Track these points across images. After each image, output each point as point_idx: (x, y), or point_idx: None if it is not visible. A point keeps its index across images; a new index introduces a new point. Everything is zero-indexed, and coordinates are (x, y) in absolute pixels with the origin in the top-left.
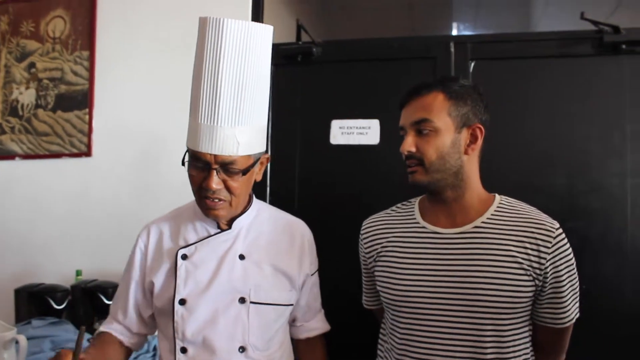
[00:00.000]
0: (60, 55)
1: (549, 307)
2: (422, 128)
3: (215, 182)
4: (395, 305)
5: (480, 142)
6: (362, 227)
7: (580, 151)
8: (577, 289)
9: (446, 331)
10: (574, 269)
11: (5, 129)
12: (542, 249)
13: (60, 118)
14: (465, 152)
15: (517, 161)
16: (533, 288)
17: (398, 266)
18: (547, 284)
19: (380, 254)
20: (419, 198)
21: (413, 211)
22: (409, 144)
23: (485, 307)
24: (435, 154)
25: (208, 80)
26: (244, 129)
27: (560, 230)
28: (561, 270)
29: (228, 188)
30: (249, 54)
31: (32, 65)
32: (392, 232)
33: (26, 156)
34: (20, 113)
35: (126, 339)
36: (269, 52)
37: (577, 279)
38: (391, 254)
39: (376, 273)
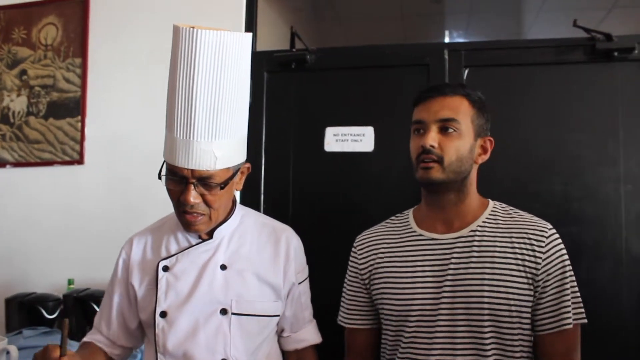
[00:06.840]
0: (52, 62)
1: (549, 307)
2: (447, 126)
3: (193, 197)
4: (400, 317)
5: (489, 154)
6: (356, 242)
7: (575, 157)
8: (577, 290)
9: (449, 336)
10: (570, 269)
11: None
12: (536, 248)
13: (52, 125)
14: (475, 161)
15: (511, 167)
16: (531, 287)
17: (398, 276)
18: (544, 283)
19: (377, 267)
20: (412, 208)
21: (408, 221)
22: (432, 138)
23: (485, 308)
24: (456, 154)
25: (182, 94)
26: (221, 142)
27: (554, 231)
28: (557, 268)
29: (206, 202)
30: (225, 65)
31: (23, 72)
32: (388, 244)
33: (17, 164)
34: (12, 120)
35: (109, 349)
36: (247, 61)
37: (574, 280)
38: (389, 265)
39: (374, 288)
